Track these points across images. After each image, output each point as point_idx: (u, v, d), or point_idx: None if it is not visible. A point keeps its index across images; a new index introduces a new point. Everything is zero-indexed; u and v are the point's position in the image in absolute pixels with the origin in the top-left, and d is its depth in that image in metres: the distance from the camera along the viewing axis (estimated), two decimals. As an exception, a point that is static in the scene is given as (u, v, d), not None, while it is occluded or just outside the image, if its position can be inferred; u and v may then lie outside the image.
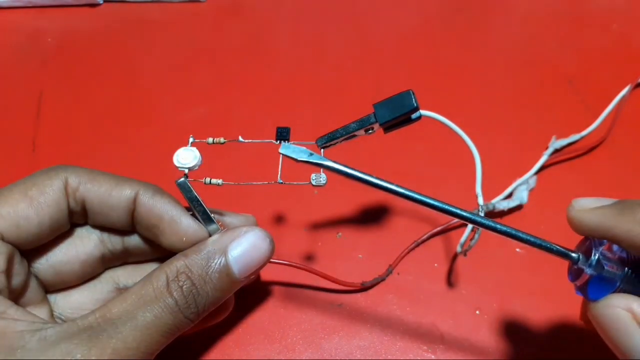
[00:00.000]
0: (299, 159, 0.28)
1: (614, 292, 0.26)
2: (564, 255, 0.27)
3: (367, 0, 0.58)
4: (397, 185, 0.27)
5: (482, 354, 0.36)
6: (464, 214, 0.27)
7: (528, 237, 0.27)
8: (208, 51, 0.54)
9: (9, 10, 0.57)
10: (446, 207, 0.27)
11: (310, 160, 0.28)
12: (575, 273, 0.27)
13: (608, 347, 0.35)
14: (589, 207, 0.27)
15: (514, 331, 0.37)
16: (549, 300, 0.38)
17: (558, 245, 0.27)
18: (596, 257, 0.26)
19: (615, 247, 0.27)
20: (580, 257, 0.27)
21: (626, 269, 0.26)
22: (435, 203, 0.27)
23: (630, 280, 0.26)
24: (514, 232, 0.27)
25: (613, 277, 0.26)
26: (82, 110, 0.49)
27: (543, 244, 0.27)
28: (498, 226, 0.27)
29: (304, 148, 0.28)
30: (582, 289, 0.27)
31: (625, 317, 0.25)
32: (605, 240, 0.26)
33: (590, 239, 0.27)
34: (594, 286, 0.26)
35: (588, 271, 0.26)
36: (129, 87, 0.51)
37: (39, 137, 0.47)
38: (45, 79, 0.51)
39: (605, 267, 0.26)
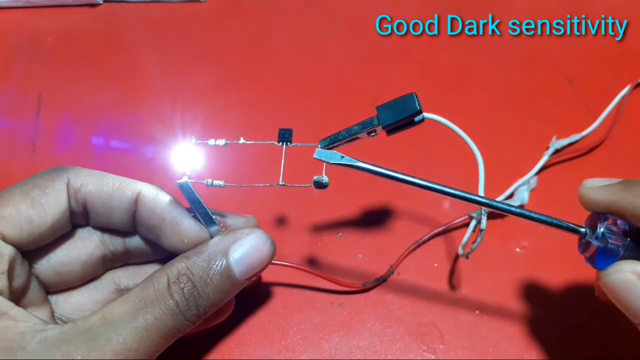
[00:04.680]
0: (332, 162, 0.29)
1: (618, 260, 0.28)
2: (573, 230, 0.30)
3: (367, 0, 0.58)
4: (426, 181, 0.30)
5: (482, 354, 0.36)
6: (491, 202, 0.30)
7: (540, 217, 0.29)
8: (208, 51, 0.54)
9: (9, 10, 0.57)
10: (473, 197, 0.30)
11: (343, 163, 0.29)
12: (584, 245, 0.30)
13: (609, 345, 0.35)
14: (598, 185, 0.30)
15: (514, 331, 0.37)
16: (549, 300, 0.38)
17: (568, 222, 0.30)
18: (601, 230, 0.29)
19: (619, 221, 0.29)
20: (588, 231, 0.29)
21: (628, 239, 0.29)
22: (462, 194, 0.29)
23: (632, 249, 0.28)
24: (527, 213, 0.30)
25: (617, 248, 0.28)
26: (82, 110, 0.49)
27: (554, 221, 0.29)
28: (512, 209, 0.30)
29: (335, 152, 0.30)
30: (590, 260, 0.30)
31: (633, 279, 0.27)
32: (609, 216, 0.29)
33: (596, 215, 0.30)
34: (600, 256, 0.29)
35: (595, 243, 0.29)
36: (128, 87, 0.51)
37: (39, 137, 0.47)
38: (45, 79, 0.51)
39: (610, 240, 0.28)
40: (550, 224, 0.29)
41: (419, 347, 0.36)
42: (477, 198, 0.29)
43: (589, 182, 0.30)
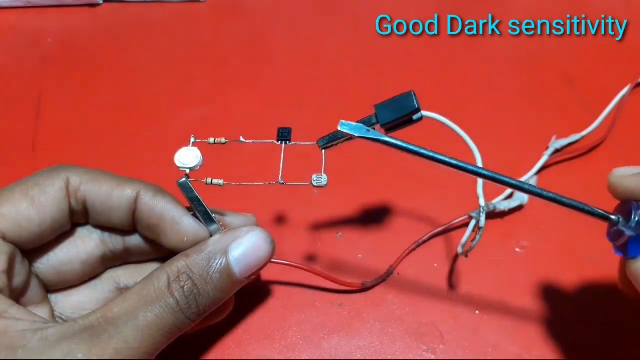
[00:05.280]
0: (358, 135, 0.28)
1: None
2: (605, 217, 0.29)
3: (367, 0, 0.59)
4: (459, 161, 0.29)
5: (482, 354, 0.36)
6: (512, 182, 0.29)
7: (572, 202, 0.29)
8: (208, 51, 0.54)
9: (9, 10, 0.57)
10: (494, 175, 0.29)
11: (368, 137, 0.28)
12: (614, 234, 0.29)
13: (610, 345, 0.35)
14: (629, 174, 0.29)
15: (514, 331, 0.37)
16: (549, 300, 0.38)
17: (599, 209, 0.29)
18: (636, 218, 0.28)
19: None
20: (620, 219, 0.29)
21: None
22: (496, 176, 0.29)
23: None
24: (558, 198, 0.29)
25: None
26: (82, 110, 0.49)
27: (586, 208, 0.29)
28: (544, 193, 0.29)
29: (361, 125, 0.29)
30: (621, 249, 0.29)
31: None
32: None
33: (629, 203, 0.29)
34: (633, 245, 0.28)
35: (628, 232, 0.28)
36: (129, 87, 0.51)
37: (39, 137, 0.47)
38: (45, 79, 0.51)
39: None
40: (582, 210, 0.29)
41: (419, 347, 0.36)
42: (508, 180, 0.29)
43: (619, 171, 0.30)
